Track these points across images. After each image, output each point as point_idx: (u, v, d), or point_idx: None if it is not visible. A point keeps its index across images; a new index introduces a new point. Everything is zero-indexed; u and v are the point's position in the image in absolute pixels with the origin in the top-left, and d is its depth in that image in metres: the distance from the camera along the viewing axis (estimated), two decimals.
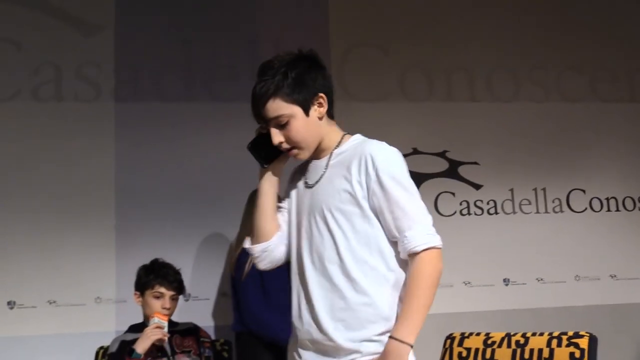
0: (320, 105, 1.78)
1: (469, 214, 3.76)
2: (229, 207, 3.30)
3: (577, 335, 1.96)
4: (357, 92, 3.73)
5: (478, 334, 2.17)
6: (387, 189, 1.68)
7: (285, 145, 1.77)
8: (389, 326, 1.68)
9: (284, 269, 1.92)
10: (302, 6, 3.80)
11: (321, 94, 1.78)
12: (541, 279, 3.74)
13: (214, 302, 3.46)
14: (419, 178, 3.70)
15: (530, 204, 3.83)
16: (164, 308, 2.72)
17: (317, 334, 1.72)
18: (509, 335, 2.10)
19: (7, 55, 3.48)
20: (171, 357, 2.70)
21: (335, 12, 3.81)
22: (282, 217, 1.88)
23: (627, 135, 3.97)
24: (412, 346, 1.64)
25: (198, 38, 3.65)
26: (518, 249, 3.74)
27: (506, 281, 3.72)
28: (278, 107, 1.73)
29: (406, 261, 1.71)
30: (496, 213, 3.79)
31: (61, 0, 3.57)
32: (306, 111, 1.75)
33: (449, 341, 2.22)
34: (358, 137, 1.82)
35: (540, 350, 1.99)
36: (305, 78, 1.75)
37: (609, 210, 3.89)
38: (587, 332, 1.96)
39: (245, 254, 2.57)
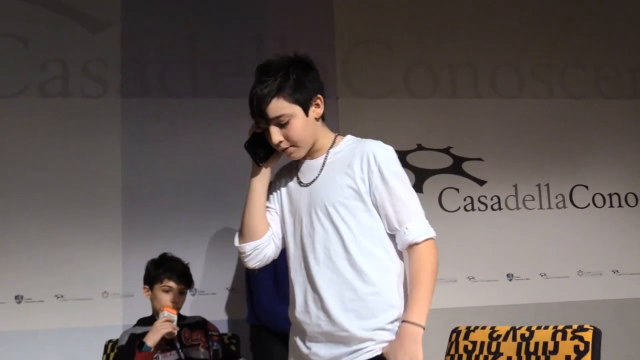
0: (318, 106, 1.86)
1: (472, 209, 3.78)
2: (235, 202, 3.29)
3: (581, 328, 1.97)
4: (362, 88, 3.75)
5: (484, 328, 2.19)
6: (390, 184, 1.80)
7: (283, 145, 1.83)
8: (398, 314, 1.78)
9: None
10: (307, 3, 3.82)
11: (319, 95, 1.86)
12: (544, 274, 3.77)
13: (219, 297, 3.48)
14: (423, 174, 3.73)
15: (533, 199, 3.85)
16: (173, 302, 2.74)
17: (328, 326, 1.79)
18: (514, 329, 2.11)
19: (14, 51, 3.50)
20: (180, 350, 2.72)
21: (341, 9, 3.82)
22: (270, 217, 1.94)
23: (629, 131, 3.99)
24: (424, 328, 1.74)
25: (204, 34, 3.67)
26: (521, 245, 3.77)
27: (510, 276, 3.75)
28: (281, 106, 1.79)
29: (401, 252, 1.84)
30: (500, 209, 3.81)
31: None
32: (306, 111, 1.83)
33: (454, 335, 2.24)
34: (351, 138, 1.92)
35: (545, 344, 2.00)
36: (304, 80, 1.82)
37: (611, 206, 3.91)
38: (591, 326, 1.98)
39: None
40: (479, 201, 3.80)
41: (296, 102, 1.81)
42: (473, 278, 3.71)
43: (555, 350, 1.97)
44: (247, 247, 1.90)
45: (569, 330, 1.99)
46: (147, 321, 2.76)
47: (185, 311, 2.89)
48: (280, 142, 1.82)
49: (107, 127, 3.51)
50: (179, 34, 3.65)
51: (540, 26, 4.01)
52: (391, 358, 1.74)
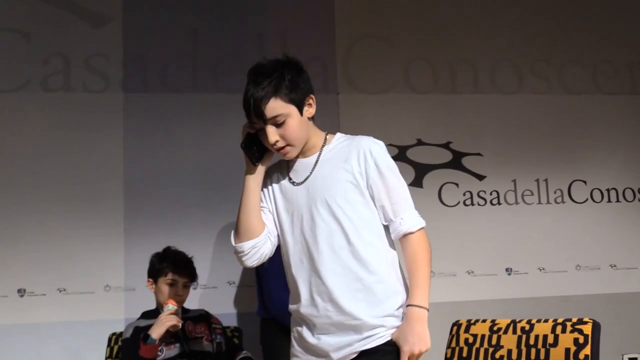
0: (310, 105, 1.92)
1: (472, 204, 3.81)
2: (236, 195, 3.31)
3: (580, 321, 1.99)
4: (362, 84, 3.77)
5: (484, 321, 2.20)
6: (386, 177, 1.89)
7: (279, 144, 1.87)
8: (402, 299, 1.89)
9: None
10: None
11: (312, 95, 1.92)
12: (543, 269, 3.79)
13: (221, 290, 3.49)
14: (423, 169, 3.75)
15: (532, 194, 3.88)
16: (177, 295, 2.76)
17: (338, 316, 1.85)
18: (514, 322, 2.13)
19: (17, 46, 3.51)
20: (184, 343, 2.74)
21: (341, 5, 3.83)
22: (264, 215, 1.98)
23: (627, 127, 4.02)
24: (428, 310, 1.86)
25: (205, 30, 3.68)
26: (520, 239, 3.79)
27: (509, 270, 3.77)
28: (278, 106, 1.84)
29: (393, 241, 1.94)
30: (499, 203, 3.83)
31: None
32: (301, 111, 1.88)
33: (455, 328, 2.25)
34: (342, 136, 1.98)
35: (545, 337, 2.02)
36: (298, 80, 1.88)
37: (609, 201, 3.94)
38: (590, 319, 2.00)
39: None
40: (479, 196, 3.83)
41: (292, 101, 1.85)
42: (472, 272, 3.73)
43: (555, 343, 1.99)
44: (246, 245, 1.94)
45: (568, 323, 2.00)
46: (152, 314, 2.78)
47: (187, 304, 2.91)
48: (277, 141, 1.86)
49: (108, 122, 3.52)
50: (181, 30, 3.66)
51: (540, 23, 4.03)
52: (401, 342, 1.82)
